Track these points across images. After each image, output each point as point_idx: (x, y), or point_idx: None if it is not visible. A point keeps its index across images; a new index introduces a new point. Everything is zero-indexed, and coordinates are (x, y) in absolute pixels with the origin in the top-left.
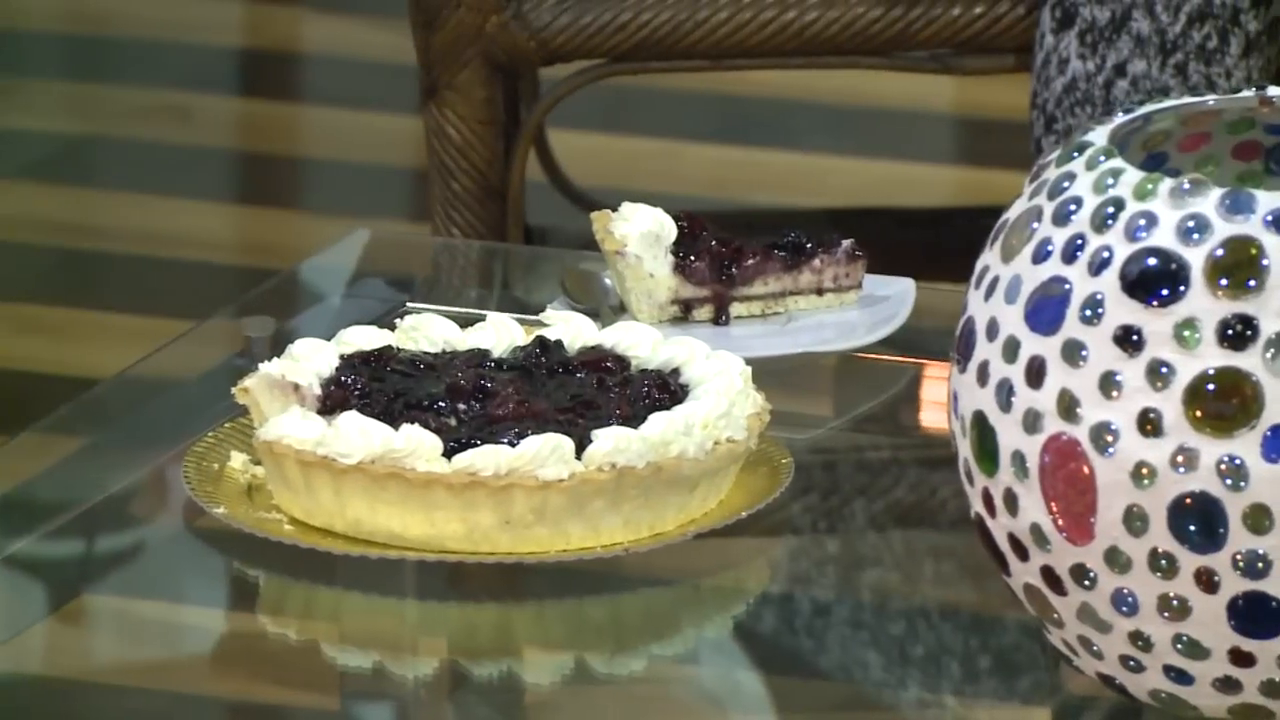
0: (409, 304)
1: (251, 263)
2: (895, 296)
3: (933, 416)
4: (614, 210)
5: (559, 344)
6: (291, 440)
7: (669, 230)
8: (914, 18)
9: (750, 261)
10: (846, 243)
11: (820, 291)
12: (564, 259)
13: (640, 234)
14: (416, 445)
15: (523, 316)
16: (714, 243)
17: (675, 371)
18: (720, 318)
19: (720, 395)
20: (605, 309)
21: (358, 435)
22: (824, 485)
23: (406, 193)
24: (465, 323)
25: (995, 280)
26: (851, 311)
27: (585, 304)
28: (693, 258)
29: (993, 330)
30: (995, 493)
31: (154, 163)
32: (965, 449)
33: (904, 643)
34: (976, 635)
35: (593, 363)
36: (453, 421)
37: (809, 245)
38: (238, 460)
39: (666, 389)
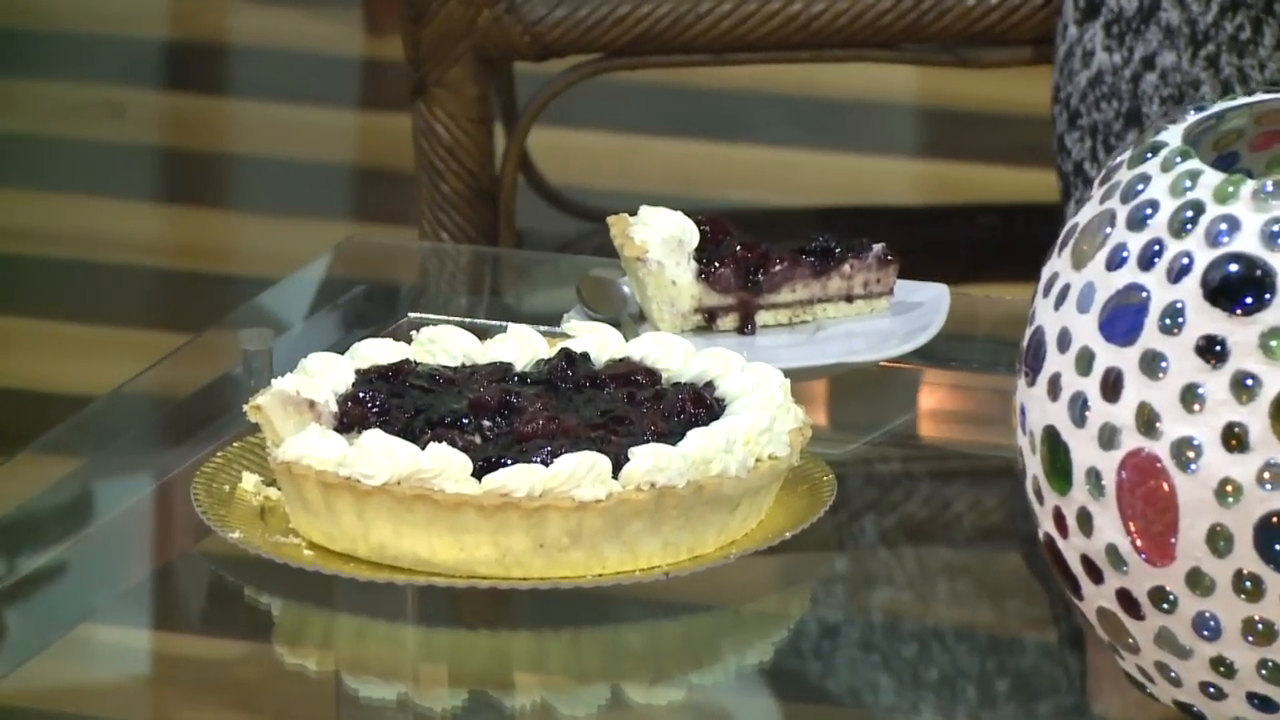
0: (411, 314)
1: (186, 266)
2: (929, 303)
3: (975, 429)
4: (631, 214)
5: (585, 356)
6: (312, 460)
7: (691, 235)
8: (926, 8)
9: (777, 267)
10: (878, 247)
11: (850, 298)
12: (572, 265)
13: (662, 239)
14: (445, 465)
15: (546, 329)
16: (739, 248)
17: (709, 385)
18: (746, 327)
19: (761, 409)
20: (625, 318)
21: (382, 455)
22: (866, 503)
23: (345, 190)
24: (479, 334)
25: (1066, 288)
26: (883, 319)
27: (603, 313)
28: (717, 264)
29: (1064, 341)
30: (1068, 512)
31: (83, 161)
32: (1035, 466)
33: (956, 672)
34: (1036, 660)
35: (622, 376)
36: (478, 439)
37: (838, 250)
38: (250, 481)
39: (702, 403)
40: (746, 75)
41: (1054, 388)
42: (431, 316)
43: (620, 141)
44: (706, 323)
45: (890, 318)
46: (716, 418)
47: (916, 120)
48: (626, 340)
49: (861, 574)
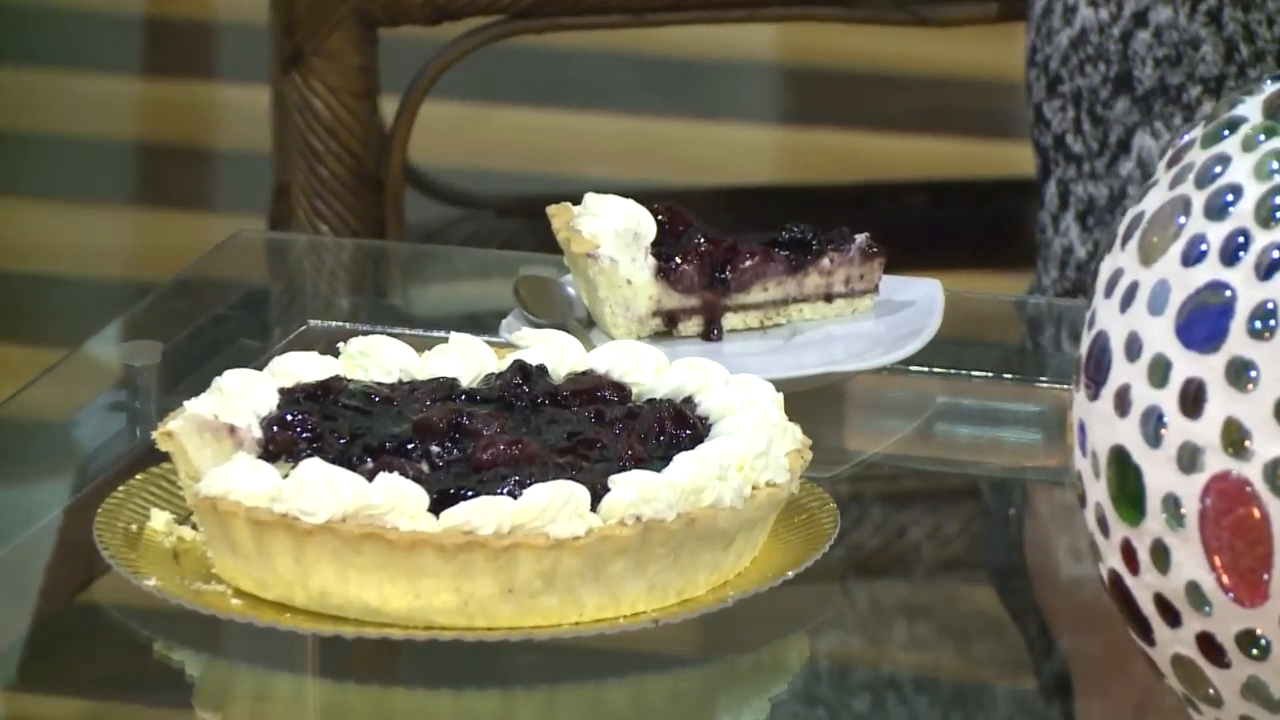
0: (312, 321)
1: None
2: (920, 302)
3: (982, 447)
4: (574, 203)
5: (542, 370)
6: (241, 495)
7: (647, 226)
8: None
9: (747, 263)
10: (861, 238)
11: (830, 298)
12: (493, 262)
13: (614, 232)
14: (398, 499)
15: (489, 338)
16: (701, 241)
17: (689, 401)
18: (711, 332)
19: (755, 429)
20: (571, 324)
21: (324, 488)
22: (868, 535)
23: (128, 170)
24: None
25: (1133, 287)
26: (867, 321)
27: (545, 319)
28: (678, 260)
29: (1134, 348)
30: (1139, 545)
31: None
32: (1099, 492)
33: None
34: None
35: (587, 392)
36: (425, 468)
37: (815, 242)
38: (160, 520)
39: (684, 423)
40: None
41: (1122, 402)
42: (337, 325)
43: (458, 111)
44: (666, 328)
45: (875, 319)
46: (701, 439)
47: (787, 83)
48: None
49: (868, 618)
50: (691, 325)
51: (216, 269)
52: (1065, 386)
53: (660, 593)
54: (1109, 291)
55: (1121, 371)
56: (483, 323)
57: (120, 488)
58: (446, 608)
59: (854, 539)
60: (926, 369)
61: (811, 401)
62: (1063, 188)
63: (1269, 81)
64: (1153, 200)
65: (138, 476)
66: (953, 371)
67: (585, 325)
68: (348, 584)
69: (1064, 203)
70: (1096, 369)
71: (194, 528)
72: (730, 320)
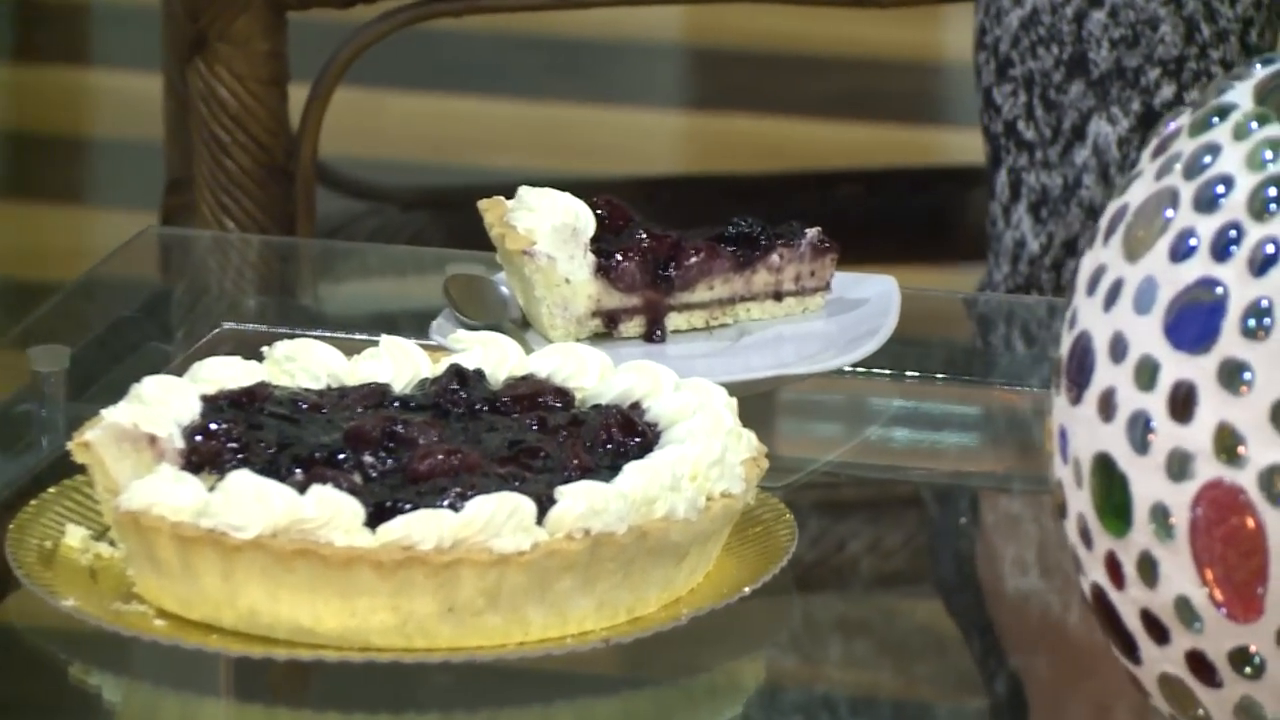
0: (225, 324)
1: None
2: (875, 300)
3: (943, 454)
4: (485, 195)
5: (480, 374)
6: (165, 510)
7: (586, 221)
8: None
9: (691, 260)
10: (812, 232)
11: (779, 296)
12: (416, 260)
13: (551, 227)
14: (332, 512)
15: (420, 341)
16: (643, 236)
17: (636, 407)
18: (654, 333)
19: (708, 436)
20: (506, 325)
21: (253, 501)
22: (826, 547)
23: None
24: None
25: (1118, 284)
26: (818, 321)
27: (477, 320)
28: (619, 257)
29: (1119, 348)
30: (1125, 558)
31: None
32: (1082, 502)
33: None
34: None
35: (528, 398)
36: (358, 479)
37: (764, 236)
38: (75, 536)
39: (633, 430)
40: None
41: (1107, 406)
42: (253, 327)
43: (351, 99)
44: (606, 329)
45: (827, 319)
46: (651, 447)
47: (697, 65)
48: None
49: (827, 636)
50: (633, 326)
51: (121, 268)
52: (1030, 389)
53: (610, 610)
54: (1091, 289)
55: (1106, 374)
56: (409, 324)
57: (33, 502)
58: (384, 628)
59: (811, 552)
60: (882, 371)
61: (761, 406)
62: (1014, 177)
63: (1258, 65)
64: (1137, 192)
65: (50, 490)
66: (910, 374)
67: (520, 326)
68: (279, 603)
69: (1015, 193)
70: (1079, 371)
71: (112, 544)
72: (674, 320)
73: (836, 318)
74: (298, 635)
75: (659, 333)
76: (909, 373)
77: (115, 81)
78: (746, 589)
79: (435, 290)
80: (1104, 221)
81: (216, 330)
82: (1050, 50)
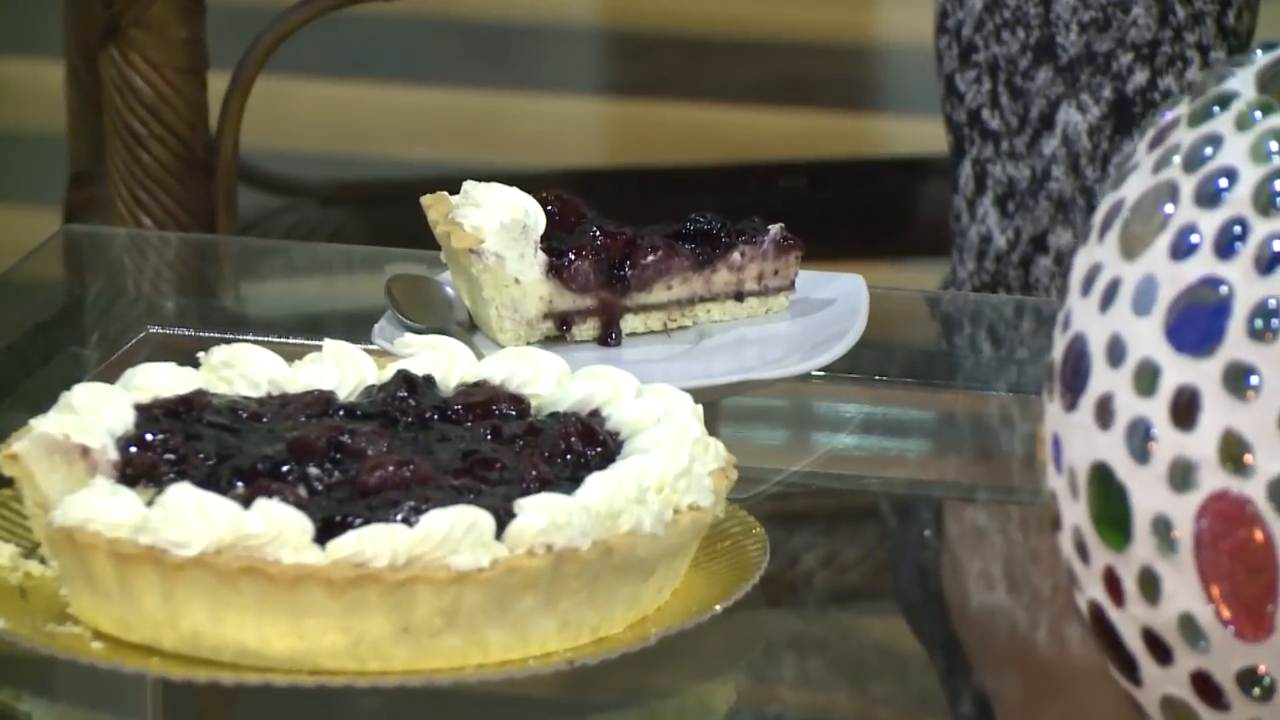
0: (151, 328)
1: None
2: (841, 300)
3: (912, 462)
4: (428, 191)
5: (429, 381)
6: (101, 526)
7: (536, 218)
8: None
9: (648, 258)
10: (774, 228)
11: (741, 296)
12: (350, 258)
13: (500, 224)
14: (279, 528)
15: (362, 345)
16: (597, 233)
17: (596, 415)
18: (609, 336)
19: (674, 446)
20: (452, 328)
21: (195, 516)
22: (796, 561)
23: None
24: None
25: (1115, 284)
26: (782, 322)
27: (422, 323)
28: (571, 255)
29: (1117, 352)
30: (1125, 573)
31: None
32: (1077, 514)
33: None
34: None
35: (481, 406)
36: (303, 492)
37: (724, 233)
38: (3, 553)
39: (593, 439)
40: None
41: (1104, 413)
42: (181, 332)
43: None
44: (558, 331)
45: (791, 320)
46: (613, 458)
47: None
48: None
49: (800, 655)
50: (587, 329)
51: (34, 270)
52: (1002, 393)
53: (573, 630)
54: (1086, 289)
55: (1103, 379)
56: (346, 327)
57: None
58: (335, 650)
59: (782, 567)
60: (849, 375)
61: (722, 413)
62: (979, 169)
63: (1259, 51)
64: (1134, 186)
65: None
66: (878, 378)
67: (467, 329)
68: (223, 624)
69: (980, 186)
70: (1073, 376)
71: (43, 562)
72: (630, 322)
73: (801, 319)
74: (244, 658)
75: (614, 335)
76: (877, 377)
77: (12, 69)
78: (718, 607)
79: (373, 291)
80: (1098, 217)
81: (141, 335)
82: (1016, 35)
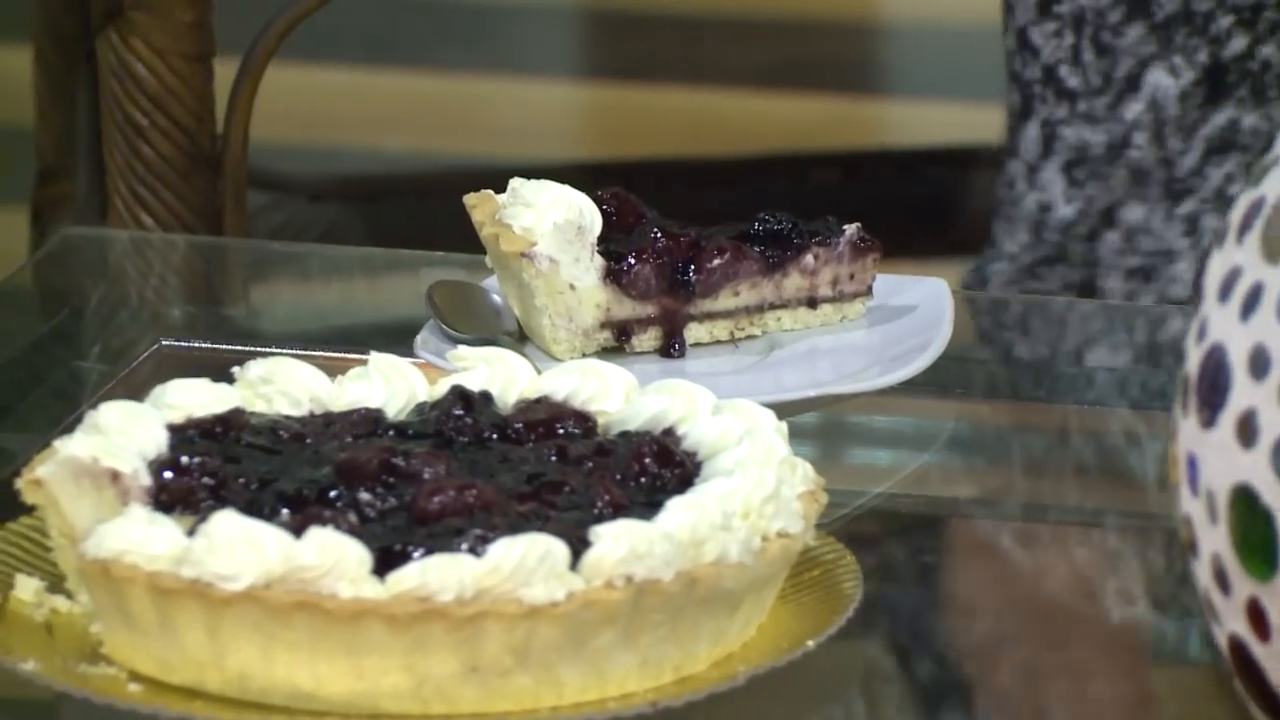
0: (165, 341)
1: None
2: (923, 307)
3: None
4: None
5: (486, 397)
6: (139, 558)
7: (593, 219)
8: None
9: (714, 262)
10: (851, 228)
11: (814, 303)
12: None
13: (554, 226)
14: (335, 559)
15: (410, 358)
16: (658, 235)
17: (669, 433)
18: (672, 347)
19: (759, 467)
20: (501, 338)
21: (243, 547)
22: (891, 591)
23: None
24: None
25: (1257, 289)
26: (858, 331)
27: (468, 333)
28: (631, 259)
29: (1261, 364)
30: (1271, 605)
31: None
32: (1217, 540)
33: None
34: None
35: (544, 424)
36: (353, 518)
37: (796, 235)
38: (27, 588)
39: (670, 460)
40: None
41: (1247, 431)
42: (197, 344)
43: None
44: (616, 342)
45: (868, 329)
46: (690, 480)
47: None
48: None
49: (895, 693)
50: (647, 339)
51: (33, 277)
52: (1112, 407)
53: (654, 669)
54: (1224, 295)
55: (1245, 393)
56: (379, 338)
57: None
58: (396, 691)
59: (874, 598)
60: (931, 387)
61: (792, 430)
62: (1048, 130)
63: None
64: (1275, 183)
65: None
66: (960, 390)
67: (517, 340)
68: (274, 664)
69: (1048, 148)
70: (1211, 390)
71: (69, 596)
72: (694, 332)
73: (879, 328)
74: (296, 700)
75: (677, 346)
76: (960, 390)
77: None
78: (810, 643)
79: (402, 297)
80: (1236, 216)
81: (155, 347)
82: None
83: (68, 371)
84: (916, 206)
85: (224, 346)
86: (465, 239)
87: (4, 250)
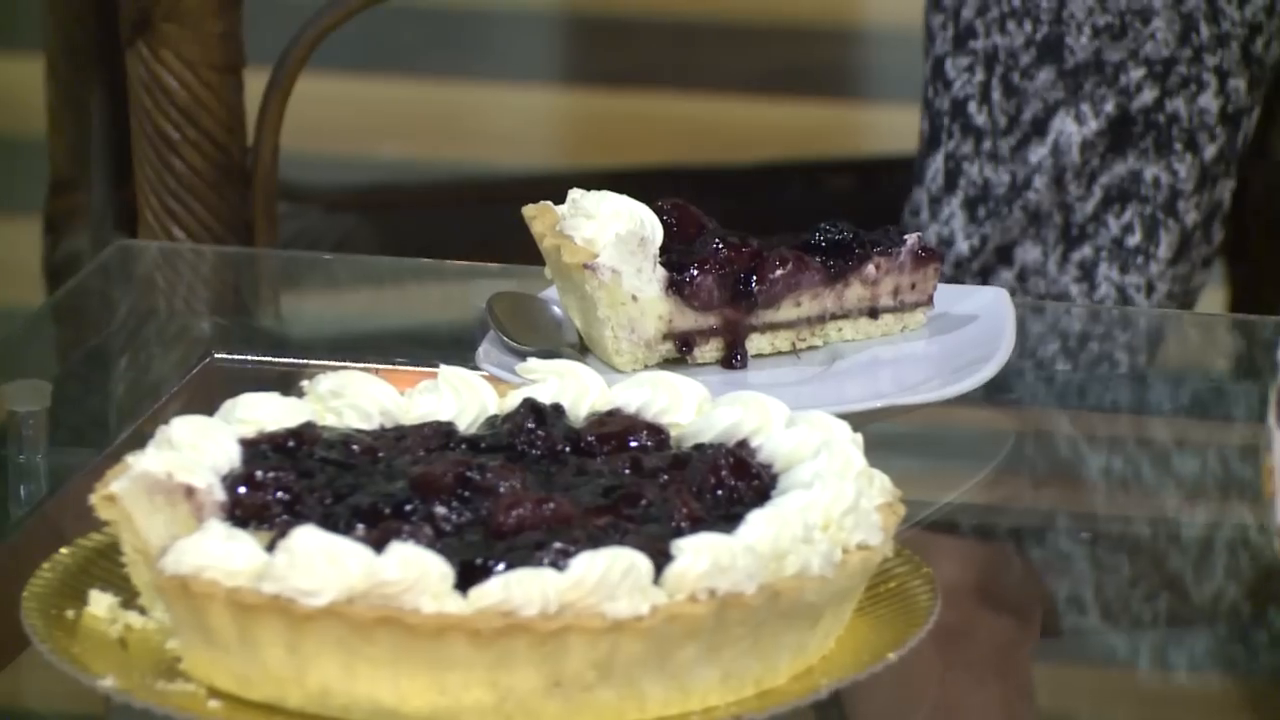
0: (216, 354)
1: None
2: (983, 317)
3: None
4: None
5: (558, 410)
6: (219, 573)
7: (654, 230)
8: None
9: (776, 272)
10: (912, 238)
11: (875, 313)
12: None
13: (616, 237)
14: (418, 574)
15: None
16: (720, 246)
17: (743, 445)
18: (734, 357)
19: (838, 479)
20: (563, 350)
21: (325, 562)
22: (964, 602)
23: None
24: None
25: None
26: (918, 341)
27: (529, 344)
28: (693, 270)
29: None
30: None
31: None
32: None
33: None
34: None
35: (617, 437)
36: (428, 530)
37: (857, 245)
38: (101, 603)
39: (746, 473)
40: None
41: None
42: (248, 358)
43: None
44: (679, 353)
45: (929, 339)
46: (766, 493)
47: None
48: None
49: (972, 708)
50: (709, 350)
51: (84, 289)
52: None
53: (736, 682)
54: None
55: None
56: (428, 348)
57: (45, 565)
58: (479, 706)
59: (948, 609)
60: (992, 397)
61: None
62: (952, 164)
63: None
64: None
65: (63, 550)
66: (1022, 399)
67: (578, 351)
68: (356, 679)
69: (951, 184)
70: None
71: (143, 612)
72: (756, 343)
73: (939, 338)
74: (378, 716)
75: (739, 357)
76: (1021, 397)
77: None
78: (891, 655)
79: (453, 309)
80: None
81: (206, 360)
82: (1022, 27)
83: (120, 384)
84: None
85: (273, 359)
86: (480, 247)
87: (17, 261)
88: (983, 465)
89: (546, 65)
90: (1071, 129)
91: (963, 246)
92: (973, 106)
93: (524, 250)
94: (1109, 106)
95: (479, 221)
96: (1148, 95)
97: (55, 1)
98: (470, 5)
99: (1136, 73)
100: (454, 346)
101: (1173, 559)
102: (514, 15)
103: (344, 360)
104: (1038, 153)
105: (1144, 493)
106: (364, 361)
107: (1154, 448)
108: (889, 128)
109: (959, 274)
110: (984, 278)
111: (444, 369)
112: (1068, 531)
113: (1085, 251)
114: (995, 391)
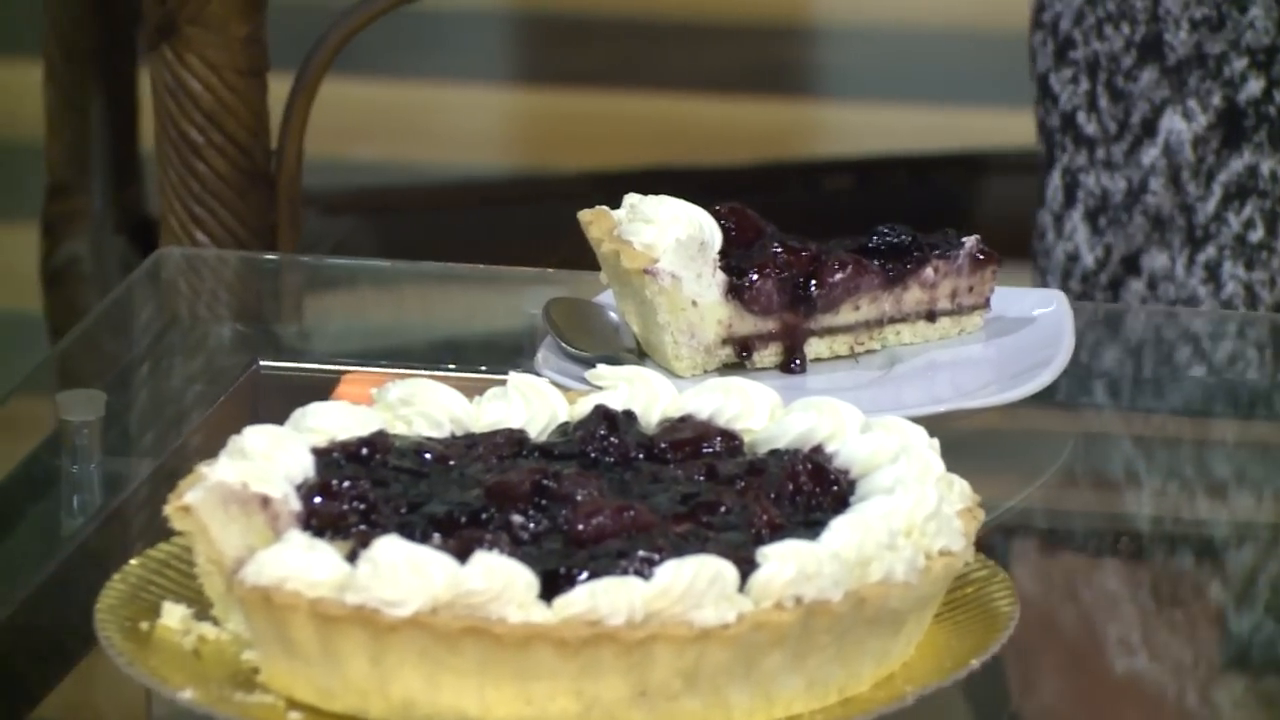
0: (262, 362)
1: None
2: (1041, 321)
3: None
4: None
5: (630, 417)
6: (301, 584)
7: (713, 234)
8: None
9: (836, 276)
10: (970, 240)
11: (932, 316)
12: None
13: (676, 242)
14: (503, 584)
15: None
16: (779, 250)
17: (819, 451)
18: (793, 362)
19: (919, 484)
20: (622, 356)
21: (409, 572)
22: (1041, 606)
23: None
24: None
25: None
26: (976, 344)
27: (587, 350)
28: (753, 275)
29: None
30: None
31: None
32: None
33: None
34: None
35: (690, 442)
36: (506, 538)
37: (915, 248)
38: (174, 615)
39: (824, 479)
40: None
41: None
42: (302, 366)
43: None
44: (738, 358)
45: (986, 342)
46: (845, 500)
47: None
48: None
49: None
50: (769, 355)
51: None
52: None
53: (820, 690)
54: None
55: None
56: (491, 354)
57: (116, 576)
58: (564, 715)
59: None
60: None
61: None
62: (1069, 179)
63: None
64: None
65: (133, 561)
66: (1083, 401)
67: (637, 357)
68: (440, 690)
69: (1070, 198)
70: None
71: (216, 623)
72: (814, 347)
73: (997, 341)
74: None
75: (798, 361)
76: (1082, 399)
77: None
78: (974, 662)
79: (498, 314)
80: None
81: (251, 368)
82: (1120, 30)
83: (166, 392)
84: (955, 210)
85: (319, 367)
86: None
87: (14, 265)
88: (1045, 466)
89: (503, 65)
90: (1181, 126)
91: (1088, 260)
92: (1081, 116)
93: (524, 250)
94: (1216, 100)
95: (459, 224)
96: (1254, 86)
97: (53, 6)
98: (425, 6)
99: (1240, 63)
100: (501, 353)
101: (1227, 561)
102: (471, 14)
103: (390, 367)
104: (1150, 154)
105: (1212, 497)
106: (411, 368)
107: (1216, 450)
108: (850, 126)
109: (1087, 288)
110: (1113, 290)
111: (513, 376)
112: (1131, 536)
113: (1209, 252)
114: (1051, 391)
